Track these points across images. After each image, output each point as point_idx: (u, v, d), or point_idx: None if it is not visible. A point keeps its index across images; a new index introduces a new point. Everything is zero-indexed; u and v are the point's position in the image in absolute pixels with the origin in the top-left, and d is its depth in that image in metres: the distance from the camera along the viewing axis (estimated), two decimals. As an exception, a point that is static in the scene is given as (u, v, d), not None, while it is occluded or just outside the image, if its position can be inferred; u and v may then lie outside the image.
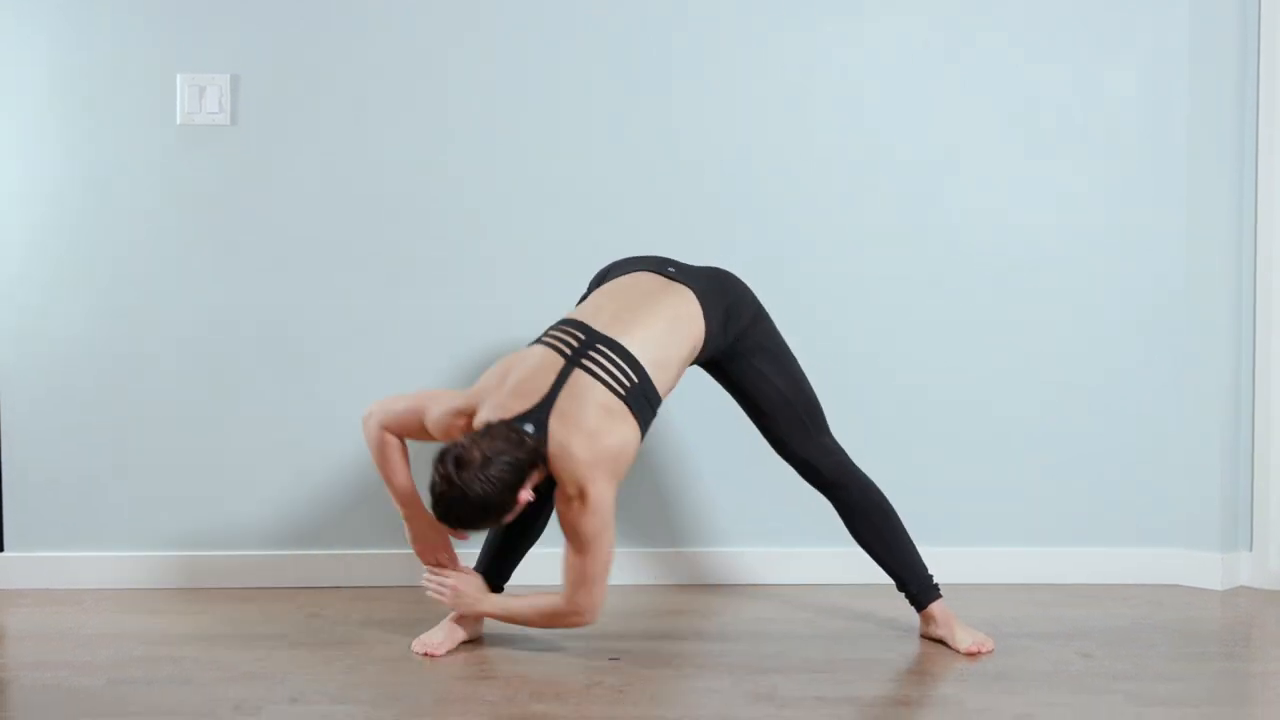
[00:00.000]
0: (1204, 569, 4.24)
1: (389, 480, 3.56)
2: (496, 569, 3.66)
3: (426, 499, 3.40)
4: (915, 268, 4.26)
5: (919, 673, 3.46)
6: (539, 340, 3.46)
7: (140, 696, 3.22)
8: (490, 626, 3.71)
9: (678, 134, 4.21)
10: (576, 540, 3.35)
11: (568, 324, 3.46)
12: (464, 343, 4.22)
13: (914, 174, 4.24)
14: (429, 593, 3.59)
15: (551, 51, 4.19)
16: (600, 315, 3.47)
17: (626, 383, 3.37)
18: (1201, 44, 4.20)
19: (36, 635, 3.71)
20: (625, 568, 4.25)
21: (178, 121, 4.14)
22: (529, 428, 3.29)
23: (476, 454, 3.23)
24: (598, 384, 3.35)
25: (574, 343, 3.40)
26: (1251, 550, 4.27)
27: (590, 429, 3.30)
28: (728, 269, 3.76)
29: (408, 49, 4.17)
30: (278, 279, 4.19)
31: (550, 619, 3.48)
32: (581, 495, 3.30)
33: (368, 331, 4.20)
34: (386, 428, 3.53)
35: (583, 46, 4.20)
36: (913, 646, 3.64)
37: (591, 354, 3.38)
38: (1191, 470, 4.26)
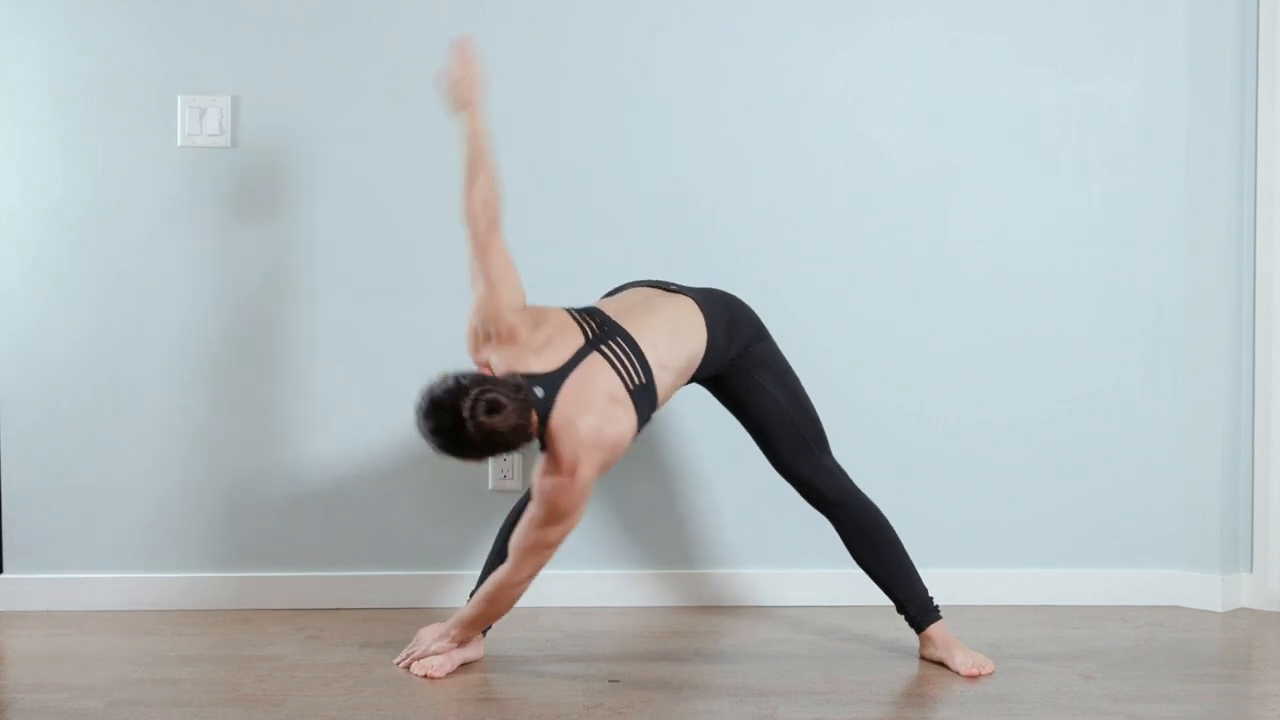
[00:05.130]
0: (1204, 590, 4.24)
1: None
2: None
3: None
4: (913, 282, 4.26)
5: (919, 695, 3.46)
6: (565, 310, 3.49)
7: (139, 719, 3.21)
8: (490, 648, 3.71)
9: (675, 147, 4.22)
10: (545, 509, 3.36)
11: (586, 310, 3.50)
12: (466, 360, 4.20)
13: (912, 188, 4.25)
14: (404, 664, 3.61)
15: (550, 68, 4.21)
16: (610, 306, 3.53)
17: (636, 379, 3.41)
18: (1200, 57, 4.21)
19: (36, 657, 3.71)
20: (625, 589, 4.24)
21: (179, 143, 4.15)
22: (539, 390, 3.31)
23: (503, 400, 3.23)
24: (612, 371, 3.39)
25: (595, 326, 3.45)
26: (1252, 571, 4.27)
27: (598, 412, 3.34)
28: (726, 288, 3.78)
29: (409, 69, 4.18)
30: (278, 300, 4.19)
31: (493, 600, 3.50)
32: (573, 473, 3.32)
33: (368, 353, 4.20)
34: (493, 223, 3.47)
35: (581, 61, 4.21)
36: (913, 668, 3.64)
37: (610, 342, 3.42)
38: (1191, 491, 4.26)
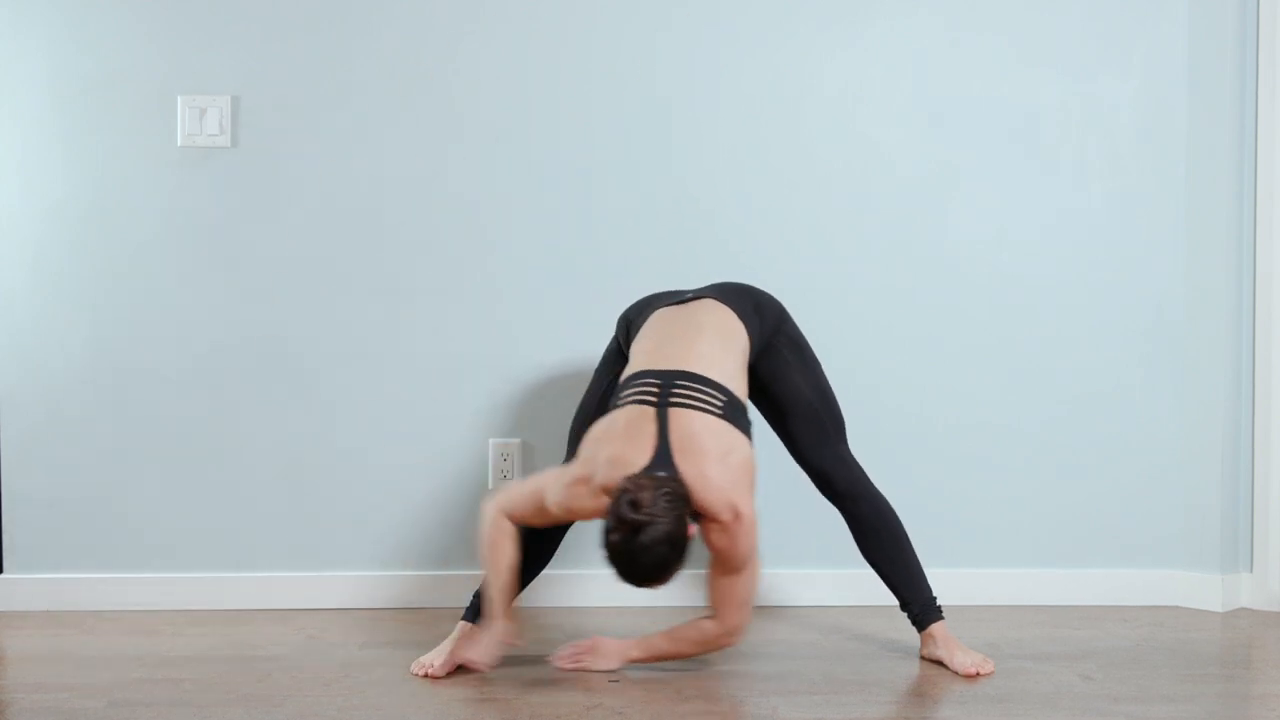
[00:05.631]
0: (1204, 590, 4.24)
1: (496, 565, 3.51)
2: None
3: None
4: (913, 282, 4.27)
5: (919, 695, 3.46)
6: (616, 406, 3.47)
7: (139, 719, 3.21)
8: (490, 648, 3.71)
9: (675, 147, 4.22)
10: (734, 562, 3.39)
11: (632, 380, 3.48)
12: (466, 361, 4.22)
13: (912, 188, 4.25)
14: (565, 668, 3.56)
15: (550, 68, 4.21)
16: (652, 359, 3.50)
17: (718, 402, 3.42)
18: (1200, 57, 4.21)
19: (36, 657, 3.71)
20: (626, 589, 4.23)
21: (179, 143, 4.14)
22: (661, 475, 3.31)
23: (645, 495, 3.23)
24: (696, 413, 3.38)
25: (652, 389, 3.42)
26: (1252, 572, 4.27)
27: (715, 453, 3.35)
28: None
29: (409, 69, 4.18)
30: (278, 299, 4.19)
31: (703, 646, 3.52)
32: (736, 515, 3.33)
33: (368, 351, 4.20)
34: (509, 513, 3.48)
35: (581, 61, 4.21)
36: (913, 668, 3.64)
37: (674, 391, 3.41)
38: (1191, 491, 4.26)
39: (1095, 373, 4.28)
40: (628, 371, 3.54)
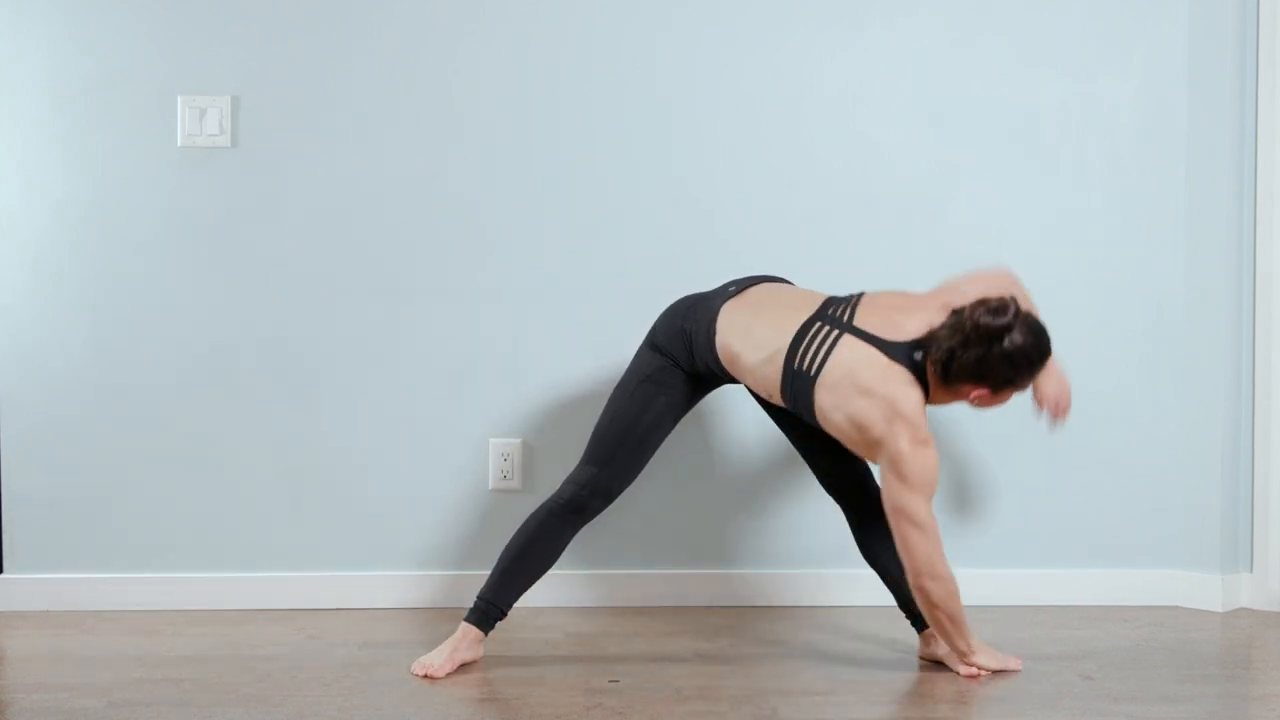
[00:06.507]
0: (1204, 590, 4.24)
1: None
2: (503, 590, 3.64)
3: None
4: (913, 282, 4.24)
5: (919, 695, 3.46)
6: (814, 373, 3.46)
7: (139, 719, 3.21)
8: (490, 648, 3.70)
9: (675, 147, 4.22)
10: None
11: (795, 346, 3.48)
12: (466, 361, 4.22)
13: (913, 188, 4.25)
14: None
15: (550, 68, 4.21)
16: (789, 321, 3.52)
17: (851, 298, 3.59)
18: (1200, 57, 4.21)
19: (36, 657, 3.71)
20: (625, 589, 4.24)
21: (179, 143, 4.14)
22: (917, 355, 3.46)
23: (978, 306, 3.42)
24: (861, 304, 3.52)
25: (825, 328, 3.47)
26: (1252, 572, 4.27)
27: (899, 310, 3.53)
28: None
29: (409, 69, 4.18)
30: (279, 301, 4.19)
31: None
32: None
33: (368, 351, 4.20)
34: (933, 524, 3.45)
35: (581, 61, 4.21)
36: (914, 668, 3.64)
37: (831, 315, 3.50)
38: (1191, 491, 4.26)
39: (1095, 372, 4.28)
40: (776, 346, 3.51)
